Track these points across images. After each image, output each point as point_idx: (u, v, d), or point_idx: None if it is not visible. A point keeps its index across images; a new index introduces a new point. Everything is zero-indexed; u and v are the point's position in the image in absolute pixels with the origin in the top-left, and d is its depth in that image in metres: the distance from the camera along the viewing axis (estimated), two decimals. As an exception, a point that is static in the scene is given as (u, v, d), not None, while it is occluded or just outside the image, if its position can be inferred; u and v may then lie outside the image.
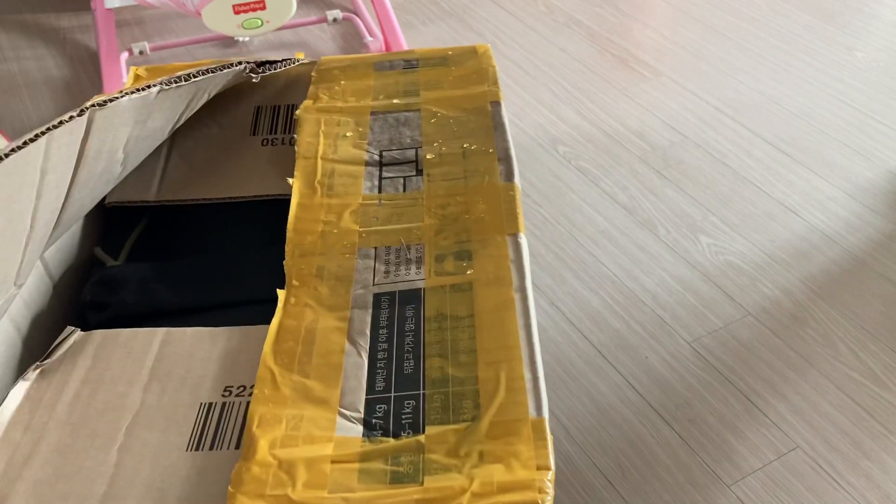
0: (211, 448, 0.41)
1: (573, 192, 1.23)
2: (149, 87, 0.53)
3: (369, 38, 1.54)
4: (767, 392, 0.93)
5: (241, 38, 1.61)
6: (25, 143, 0.45)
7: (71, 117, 0.48)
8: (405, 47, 1.48)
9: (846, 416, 0.91)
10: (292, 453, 0.38)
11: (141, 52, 1.45)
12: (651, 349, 0.99)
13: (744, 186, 1.23)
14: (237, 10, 1.21)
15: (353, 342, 0.45)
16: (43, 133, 0.47)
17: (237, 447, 0.41)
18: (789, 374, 0.95)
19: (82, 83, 1.47)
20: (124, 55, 1.44)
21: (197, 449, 0.41)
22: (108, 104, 0.51)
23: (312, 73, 0.65)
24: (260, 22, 1.24)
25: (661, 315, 1.03)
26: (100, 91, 1.43)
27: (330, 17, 1.54)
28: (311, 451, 0.39)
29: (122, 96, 0.51)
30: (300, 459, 0.37)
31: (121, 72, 1.36)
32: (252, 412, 0.40)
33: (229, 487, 0.37)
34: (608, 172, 1.26)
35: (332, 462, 0.38)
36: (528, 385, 0.41)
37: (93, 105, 0.51)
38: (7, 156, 0.44)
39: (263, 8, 1.23)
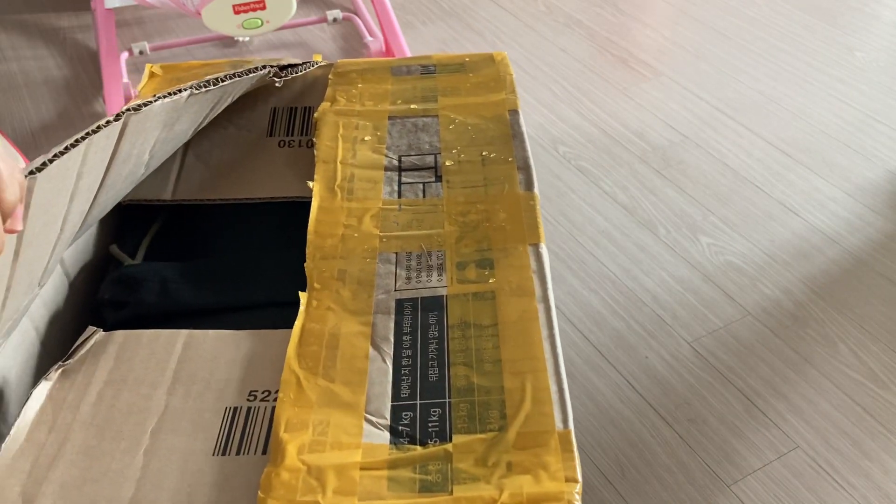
0: (237, 453, 0.40)
1: (573, 192, 1.23)
2: (179, 91, 0.53)
3: (369, 38, 1.54)
4: (767, 392, 0.93)
5: (241, 38, 1.61)
6: (67, 149, 0.45)
7: (108, 122, 0.48)
8: (405, 47, 1.48)
9: (846, 416, 0.91)
10: (321, 459, 0.38)
11: (141, 52, 1.45)
12: (651, 349, 0.99)
13: (744, 186, 1.23)
14: (237, 10, 1.21)
15: (377, 348, 0.44)
16: (83, 138, 0.47)
17: (264, 452, 0.40)
18: (789, 374, 0.95)
19: (82, 83, 1.47)
20: (124, 55, 1.44)
21: (223, 454, 0.40)
22: (143, 108, 0.50)
23: (329, 76, 0.65)
24: (260, 22, 1.24)
25: (661, 315, 1.03)
26: (99, 91, 1.43)
27: (330, 17, 1.54)
28: (339, 457, 0.38)
29: (155, 100, 0.51)
30: (329, 466, 0.37)
31: (121, 72, 1.36)
32: (278, 416, 0.40)
33: (259, 493, 0.36)
34: (608, 172, 1.26)
35: (361, 469, 0.38)
36: (555, 397, 0.41)
37: (128, 109, 0.50)
38: (51, 161, 0.44)
39: (263, 8, 1.23)
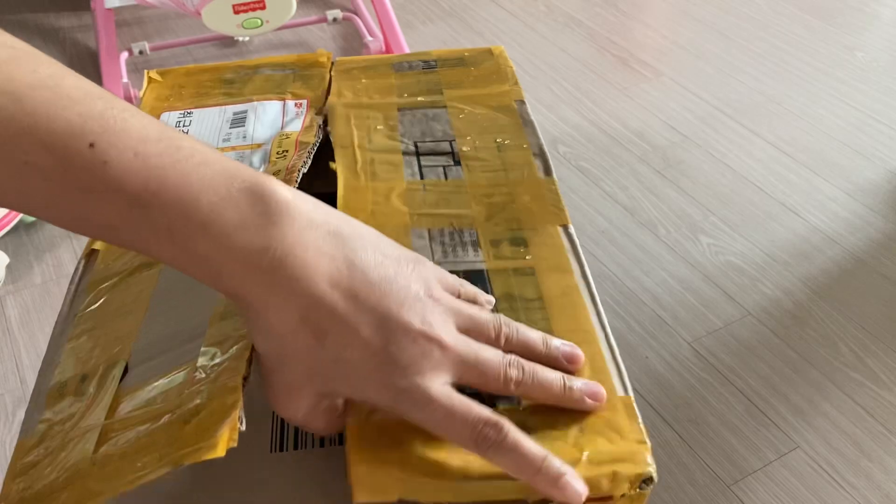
0: (295, 448, 0.40)
1: (573, 192, 1.23)
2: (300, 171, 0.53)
3: (369, 38, 1.54)
4: (767, 392, 0.93)
5: (240, 38, 1.61)
6: None
7: None
8: (405, 47, 1.48)
9: (846, 416, 0.91)
10: (393, 419, 0.37)
11: (141, 52, 1.45)
12: (651, 349, 0.98)
13: (744, 186, 1.23)
14: (237, 9, 1.21)
15: None
16: None
17: (321, 445, 0.40)
18: (789, 374, 0.95)
19: (82, 83, 1.47)
20: (124, 55, 1.44)
21: (280, 450, 0.40)
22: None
23: (331, 73, 0.65)
24: (260, 22, 1.24)
25: (661, 315, 1.03)
26: (100, 91, 1.43)
27: (330, 17, 1.54)
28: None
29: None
30: (404, 424, 0.36)
31: (121, 71, 1.36)
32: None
33: (348, 450, 0.35)
34: (608, 172, 1.26)
35: None
36: (610, 365, 0.41)
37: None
38: None
39: (263, 8, 1.23)
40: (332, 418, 0.36)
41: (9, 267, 1.09)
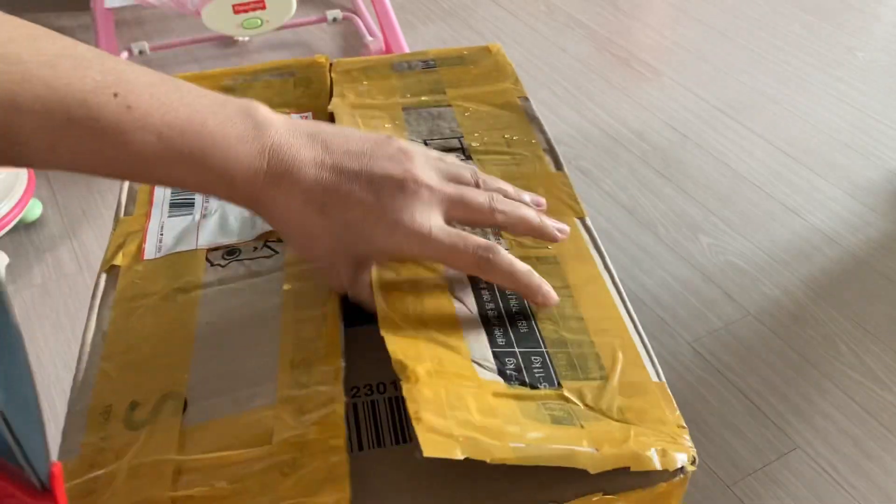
0: (360, 450, 0.39)
1: (573, 192, 1.23)
2: None
3: (369, 38, 1.54)
4: (767, 392, 0.93)
5: (240, 38, 1.61)
6: None
7: None
8: (405, 47, 1.47)
9: (846, 416, 0.91)
10: (451, 383, 0.37)
11: (141, 52, 1.45)
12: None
13: (744, 186, 1.23)
14: (237, 9, 1.21)
15: (459, 300, 0.43)
16: None
17: (379, 446, 0.39)
18: (789, 374, 0.95)
19: (82, 83, 1.47)
20: (124, 55, 1.43)
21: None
22: None
23: (332, 75, 0.65)
24: (260, 22, 1.24)
25: (661, 315, 1.03)
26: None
27: (330, 17, 1.54)
28: (467, 385, 0.38)
29: None
30: (462, 389, 0.36)
31: (121, 72, 1.36)
32: (392, 346, 0.38)
33: (411, 408, 0.35)
34: (608, 172, 1.26)
35: (494, 396, 0.38)
36: (642, 352, 0.42)
37: None
38: None
39: (263, 8, 1.23)
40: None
41: (9, 267, 1.09)
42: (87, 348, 0.43)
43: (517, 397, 0.38)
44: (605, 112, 1.40)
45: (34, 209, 1.14)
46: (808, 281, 1.07)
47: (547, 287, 0.42)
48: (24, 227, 1.15)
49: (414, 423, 0.35)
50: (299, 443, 0.36)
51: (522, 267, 0.41)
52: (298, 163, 0.39)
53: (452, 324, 0.42)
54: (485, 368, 0.40)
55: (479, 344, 0.41)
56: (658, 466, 0.36)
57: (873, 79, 1.48)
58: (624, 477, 0.36)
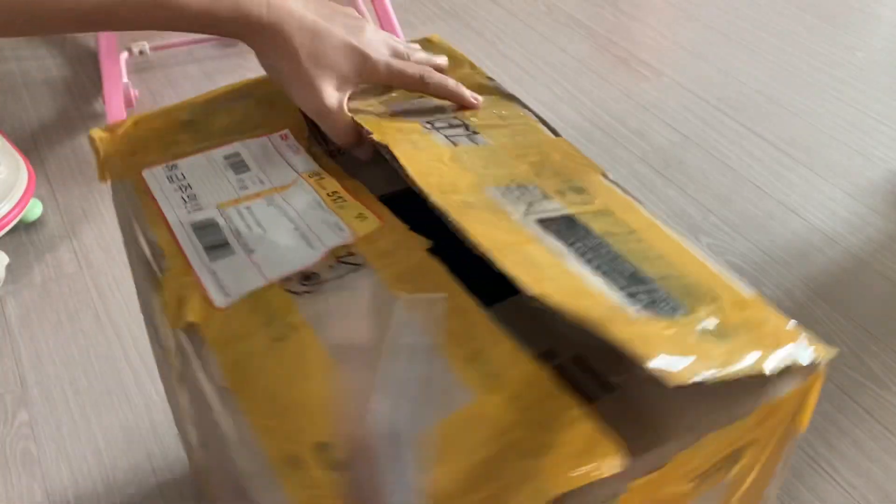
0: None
1: (573, 191, 1.22)
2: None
3: (369, 38, 1.54)
4: (767, 392, 0.93)
5: (241, 38, 1.61)
6: None
7: None
8: (405, 47, 1.48)
9: (846, 416, 0.91)
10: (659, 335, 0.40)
11: (141, 52, 1.45)
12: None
13: (744, 186, 1.23)
14: (237, 9, 1.21)
15: (559, 256, 0.44)
16: None
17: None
18: (789, 374, 0.95)
19: (82, 83, 1.47)
20: (124, 55, 1.44)
21: None
22: None
23: None
24: (260, 22, 1.24)
25: (661, 315, 1.03)
26: (99, 91, 1.43)
27: (330, 17, 1.54)
28: (660, 325, 0.40)
29: None
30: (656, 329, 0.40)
31: (121, 72, 1.36)
32: (583, 315, 0.40)
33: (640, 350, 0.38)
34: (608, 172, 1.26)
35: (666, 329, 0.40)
36: (725, 275, 0.45)
37: None
38: None
39: (263, 8, 1.22)
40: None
41: (9, 267, 1.09)
42: (218, 406, 0.40)
43: (676, 326, 0.40)
44: (605, 112, 1.40)
45: (34, 209, 1.15)
46: (808, 281, 1.07)
47: (470, 92, 0.59)
48: (24, 227, 1.15)
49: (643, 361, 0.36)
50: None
51: (452, 81, 0.58)
52: (283, 15, 0.53)
53: (564, 268, 0.43)
54: (636, 310, 0.41)
55: (612, 292, 0.42)
56: (815, 358, 0.40)
57: (873, 79, 1.48)
58: (782, 380, 0.40)
